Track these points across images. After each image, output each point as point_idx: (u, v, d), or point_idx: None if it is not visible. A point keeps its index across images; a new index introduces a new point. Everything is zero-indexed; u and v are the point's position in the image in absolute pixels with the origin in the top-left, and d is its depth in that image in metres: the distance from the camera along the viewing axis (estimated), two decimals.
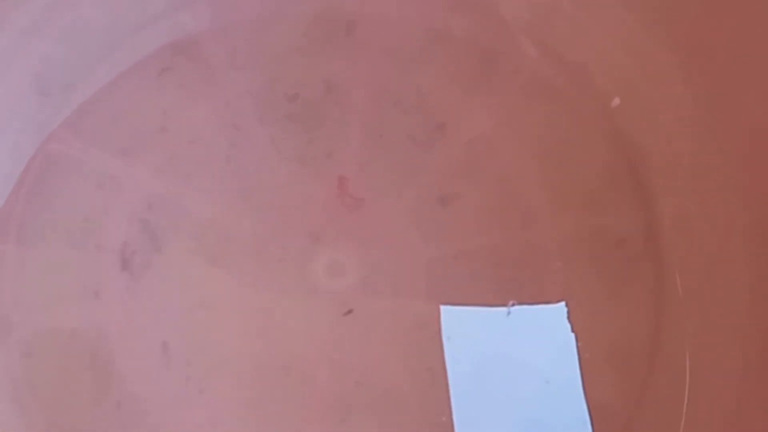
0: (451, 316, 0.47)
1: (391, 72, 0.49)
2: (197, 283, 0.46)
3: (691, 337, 0.47)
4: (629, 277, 0.48)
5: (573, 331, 0.47)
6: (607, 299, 0.48)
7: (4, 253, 0.46)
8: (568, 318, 0.47)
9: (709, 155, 0.48)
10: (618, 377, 0.47)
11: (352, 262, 0.47)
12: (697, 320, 0.47)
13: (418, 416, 0.46)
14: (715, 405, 0.46)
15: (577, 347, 0.47)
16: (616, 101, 0.49)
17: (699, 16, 0.47)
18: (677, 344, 0.47)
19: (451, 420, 0.46)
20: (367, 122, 0.48)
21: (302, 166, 0.48)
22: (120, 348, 0.45)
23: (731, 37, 0.46)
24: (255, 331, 0.46)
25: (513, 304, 0.47)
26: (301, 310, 0.46)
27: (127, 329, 0.45)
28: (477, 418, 0.46)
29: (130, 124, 0.48)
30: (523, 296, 0.47)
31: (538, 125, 0.49)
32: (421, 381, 0.46)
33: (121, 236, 0.46)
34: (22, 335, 0.45)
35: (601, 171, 0.49)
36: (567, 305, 0.47)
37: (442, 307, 0.47)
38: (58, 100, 0.48)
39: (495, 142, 0.49)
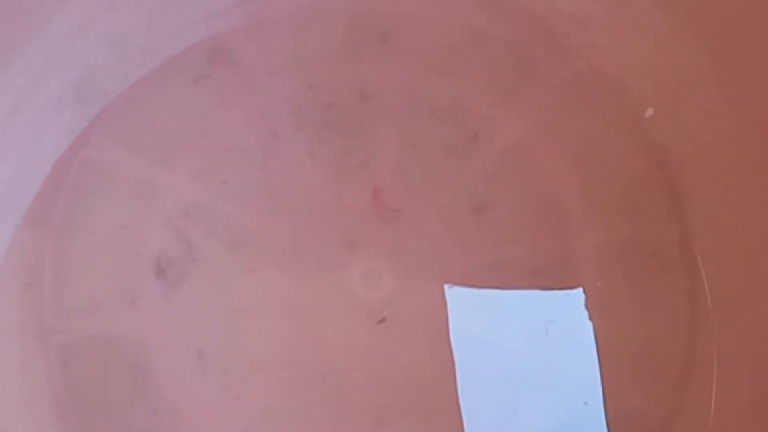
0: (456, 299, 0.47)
1: (426, 80, 0.49)
2: (233, 291, 0.47)
3: (721, 346, 0.47)
4: (663, 286, 0.48)
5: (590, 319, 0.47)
6: (640, 308, 0.48)
7: (42, 260, 0.46)
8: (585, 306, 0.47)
9: (742, 161, 0.47)
10: (650, 386, 0.47)
11: (387, 270, 0.47)
12: (728, 329, 0.47)
13: (453, 424, 0.46)
14: (744, 413, 0.46)
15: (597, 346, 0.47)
16: (650, 111, 0.49)
17: (734, 23, 0.46)
18: (709, 353, 0.47)
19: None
20: (402, 131, 0.49)
21: (338, 174, 0.48)
22: (156, 355, 0.46)
23: (766, 44, 0.46)
24: (290, 338, 0.46)
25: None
26: (336, 318, 0.47)
27: (163, 337, 0.46)
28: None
29: (167, 131, 0.48)
30: None
31: (572, 133, 0.49)
32: (456, 389, 0.46)
33: (158, 244, 0.47)
34: (61, 342, 0.46)
35: (635, 179, 0.49)
36: (601, 315, 0.47)
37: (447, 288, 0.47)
38: (97, 107, 0.48)
39: (529, 150, 0.49)
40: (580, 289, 0.48)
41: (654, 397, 0.47)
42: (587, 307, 0.47)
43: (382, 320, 0.47)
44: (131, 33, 0.48)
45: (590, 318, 0.47)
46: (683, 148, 0.49)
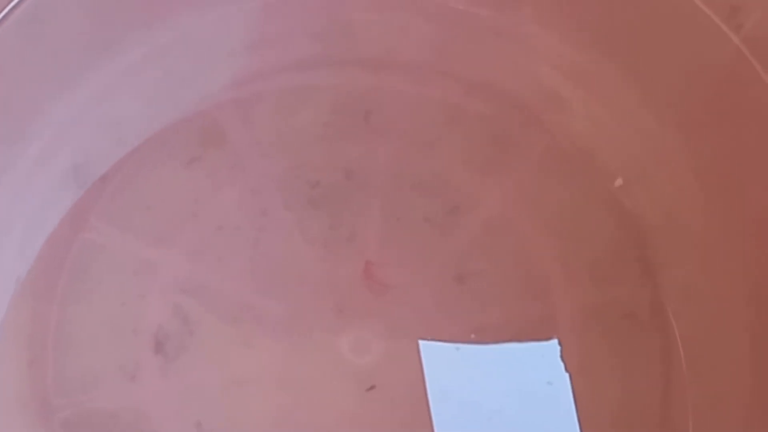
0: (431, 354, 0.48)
1: (408, 156, 0.51)
2: (229, 363, 0.48)
3: (695, 405, 0.48)
4: (638, 346, 0.49)
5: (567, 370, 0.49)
6: (617, 367, 0.49)
7: (45, 338, 0.47)
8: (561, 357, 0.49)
9: (709, 228, 0.49)
10: None
11: (375, 339, 0.48)
12: (701, 389, 0.48)
13: None
14: None
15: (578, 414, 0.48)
16: (619, 181, 0.51)
17: (705, 98, 0.48)
18: (684, 409, 0.48)
19: None
20: (387, 205, 0.50)
21: (326, 248, 0.50)
22: (157, 428, 0.46)
23: (736, 119, 0.47)
24: (285, 408, 0.47)
25: None
26: (328, 387, 0.48)
27: (162, 410, 0.47)
28: None
29: (162, 211, 0.49)
30: None
31: (548, 203, 0.51)
32: None
33: (156, 320, 0.48)
34: (63, 417, 0.46)
35: (609, 246, 0.51)
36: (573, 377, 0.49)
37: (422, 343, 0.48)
38: (94, 189, 0.49)
39: (508, 220, 0.51)
40: (555, 341, 0.49)
41: None
42: (563, 358, 0.49)
43: (372, 388, 0.48)
44: (127, 118, 0.50)
45: (566, 369, 0.48)
46: (654, 216, 0.51)
